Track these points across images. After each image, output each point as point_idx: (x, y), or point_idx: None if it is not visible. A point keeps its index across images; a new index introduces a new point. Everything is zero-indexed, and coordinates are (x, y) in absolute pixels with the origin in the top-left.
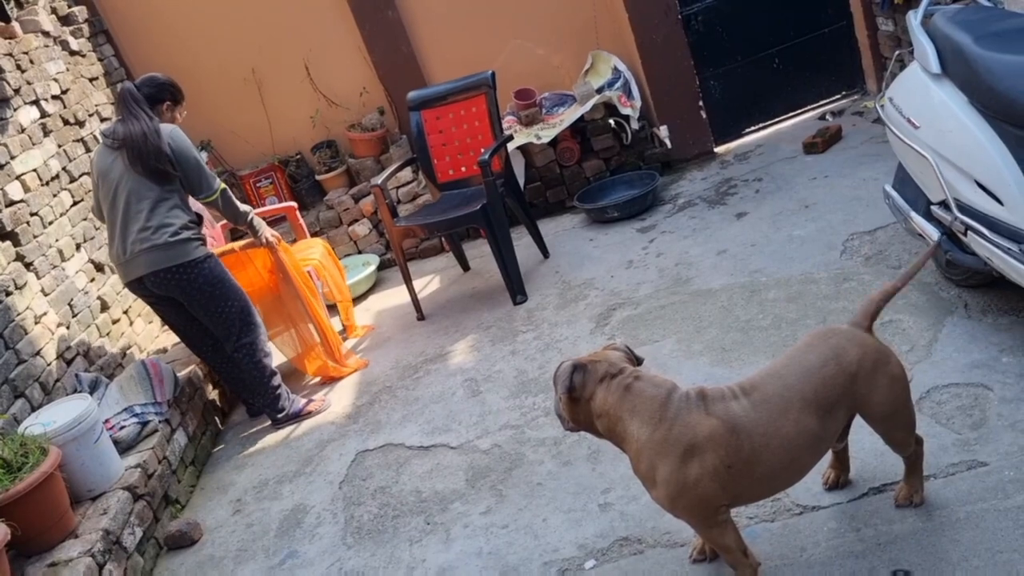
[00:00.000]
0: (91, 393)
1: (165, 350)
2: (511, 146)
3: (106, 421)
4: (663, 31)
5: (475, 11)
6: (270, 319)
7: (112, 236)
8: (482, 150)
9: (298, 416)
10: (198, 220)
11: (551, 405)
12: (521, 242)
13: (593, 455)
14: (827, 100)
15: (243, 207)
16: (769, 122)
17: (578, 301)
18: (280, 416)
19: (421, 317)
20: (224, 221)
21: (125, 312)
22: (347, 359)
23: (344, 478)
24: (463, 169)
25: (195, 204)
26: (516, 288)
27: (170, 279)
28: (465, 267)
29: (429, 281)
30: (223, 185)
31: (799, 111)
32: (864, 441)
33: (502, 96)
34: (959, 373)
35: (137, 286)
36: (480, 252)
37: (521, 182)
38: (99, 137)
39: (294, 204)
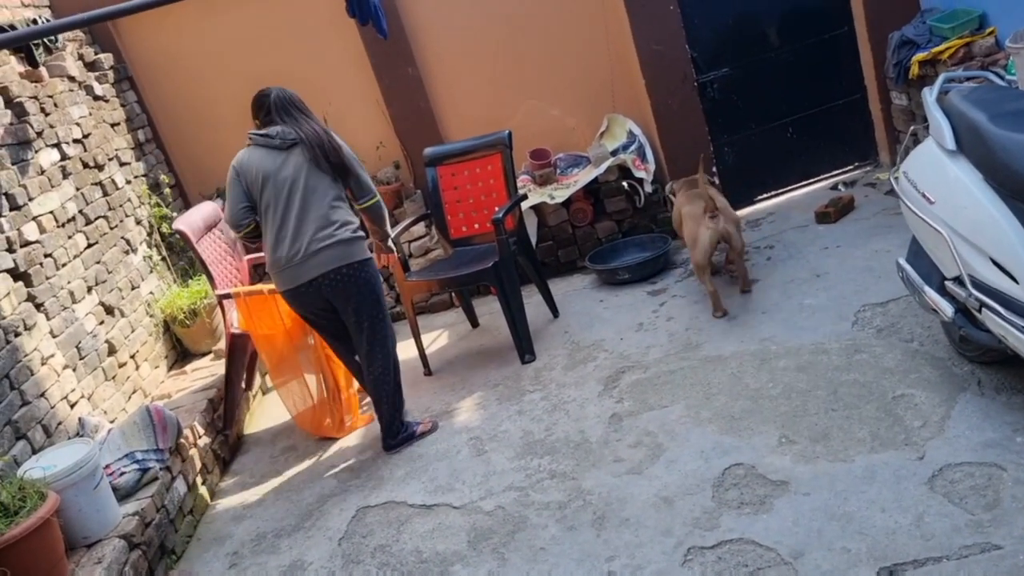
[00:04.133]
0: (93, 437)
1: (169, 395)
2: (525, 205)
3: (107, 466)
4: (679, 97)
5: (493, 70)
6: (280, 367)
7: (282, 237)
8: (496, 208)
9: (412, 438)
10: None
11: (556, 468)
12: (531, 300)
13: (598, 521)
14: (840, 171)
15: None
16: (782, 190)
17: (587, 362)
18: (399, 439)
19: (428, 372)
20: (250, 256)
21: (132, 356)
22: (350, 414)
23: (344, 534)
24: (476, 226)
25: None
26: (525, 347)
27: (341, 278)
28: (474, 323)
29: (437, 336)
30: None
31: (812, 180)
32: (875, 519)
33: (517, 155)
34: (972, 452)
35: (305, 289)
36: (490, 308)
37: (533, 241)
38: (249, 140)
39: None
